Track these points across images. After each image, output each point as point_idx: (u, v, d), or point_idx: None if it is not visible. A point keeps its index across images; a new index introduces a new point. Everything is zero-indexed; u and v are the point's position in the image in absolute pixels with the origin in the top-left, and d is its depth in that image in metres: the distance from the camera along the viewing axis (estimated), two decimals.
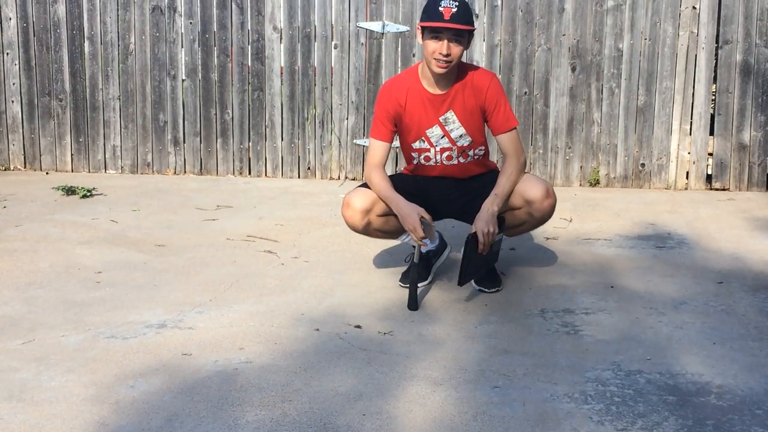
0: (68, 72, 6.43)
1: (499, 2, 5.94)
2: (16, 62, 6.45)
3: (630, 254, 4.24)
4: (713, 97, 5.95)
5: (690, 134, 5.91)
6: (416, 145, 3.56)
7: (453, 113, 3.48)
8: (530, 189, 3.44)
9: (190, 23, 6.27)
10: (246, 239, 4.53)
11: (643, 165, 5.96)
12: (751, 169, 5.86)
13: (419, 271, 3.55)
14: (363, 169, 6.17)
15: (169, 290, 3.68)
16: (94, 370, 2.82)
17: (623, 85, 5.91)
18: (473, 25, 3.39)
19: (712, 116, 5.93)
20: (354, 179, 6.18)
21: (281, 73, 6.27)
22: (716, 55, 5.83)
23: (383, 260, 4.11)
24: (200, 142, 6.38)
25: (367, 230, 3.57)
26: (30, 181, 6.12)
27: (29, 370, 2.82)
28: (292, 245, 4.42)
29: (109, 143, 6.47)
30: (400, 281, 3.73)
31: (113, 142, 6.46)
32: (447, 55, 3.32)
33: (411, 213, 3.40)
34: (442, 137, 3.51)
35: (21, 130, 6.54)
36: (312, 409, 2.53)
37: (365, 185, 3.58)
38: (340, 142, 6.23)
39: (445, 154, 3.55)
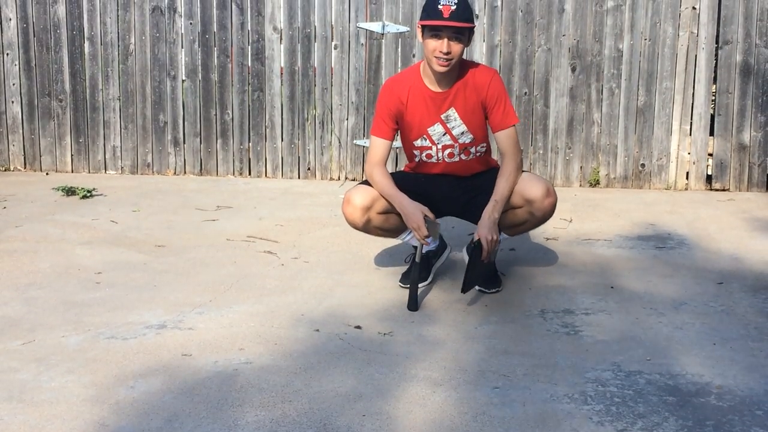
0: (68, 72, 6.43)
1: (499, 3, 5.94)
2: (16, 63, 6.45)
3: (630, 255, 4.24)
4: (713, 98, 5.95)
5: (690, 135, 5.91)
6: (418, 143, 3.56)
7: (455, 111, 3.48)
8: (531, 188, 3.44)
9: (190, 24, 6.27)
10: (246, 240, 4.53)
11: (643, 165, 5.96)
12: (751, 170, 5.86)
13: (419, 271, 3.55)
14: (363, 170, 6.17)
15: (169, 291, 3.68)
16: (94, 370, 2.82)
17: (623, 85, 5.91)
18: (473, 23, 3.39)
19: (712, 117, 5.93)
20: (354, 180, 6.18)
21: (281, 74, 6.27)
22: (716, 55, 5.83)
23: (383, 261, 4.11)
24: (200, 143, 6.38)
25: (367, 228, 3.57)
26: (30, 182, 6.12)
27: (29, 370, 2.82)
28: (292, 246, 4.42)
29: (109, 144, 6.47)
30: (400, 282, 3.73)
31: (113, 142, 6.46)
32: (447, 53, 3.32)
33: (415, 212, 3.41)
34: (443, 135, 3.51)
35: (21, 131, 6.54)
36: (312, 409, 2.53)
37: (366, 182, 3.58)
38: (340, 142, 6.23)
39: (447, 151, 3.55)
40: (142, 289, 3.70)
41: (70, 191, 5.62)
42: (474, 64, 3.55)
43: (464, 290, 3.40)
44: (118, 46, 6.35)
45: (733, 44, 5.77)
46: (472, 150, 3.56)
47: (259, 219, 5.01)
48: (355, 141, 6.21)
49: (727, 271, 3.94)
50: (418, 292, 3.51)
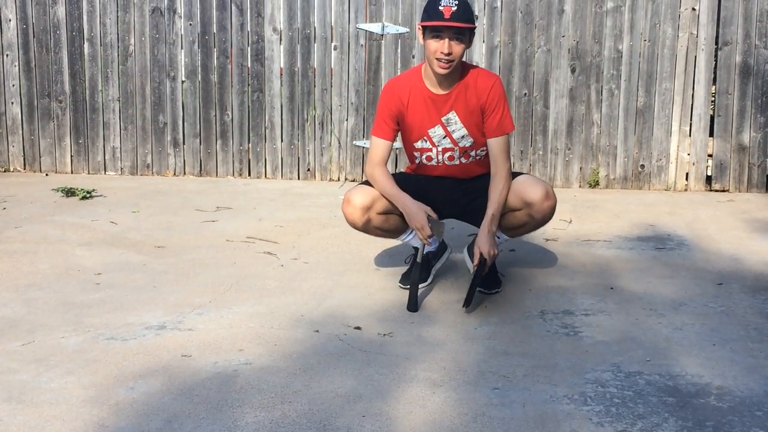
0: (68, 73, 6.43)
1: (499, 3, 5.94)
2: (16, 64, 6.45)
3: (629, 256, 4.24)
4: (713, 99, 5.95)
5: (689, 135, 5.91)
6: (418, 144, 3.56)
7: (455, 114, 3.48)
8: (530, 191, 3.43)
9: (190, 25, 6.27)
10: (246, 241, 4.53)
11: (642, 166, 5.96)
12: (751, 171, 5.86)
13: (419, 272, 3.55)
14: (363, 171, 6.17)
15: (169, 292, 3.68)
16: (93, 371, 2.82)
17: (623, 86, 5.91)
18: (474, 24, 3.40)
19: (712, 117, 5.93)
20: (353, 180, 6.18)
21: (281, 75, 6.27)
22: (716, 56, 5.83)
23: (383, 261, 4.11)
24: (200, 144, 6.38)
25: (367, 228, 3.57)
26: (30, 183, 6.12)
27: (29, 371, 2.82)
28: (291, 247, 4.42)
29: (108, 145, 6.47)
30: (399, 282, 3.73)
31: (113, 143, 6.46)
32: (448, 54, 3.32)
33: (418, 211, 3.41)
34: (444, 137, 3.51)
35: (21, 132, 6.54)
36: (311, 410, 2.53)
37: (367, 183, 3.59)
38: (339, 143, 6.23)
39: (447, 154, 3.55)
40: (142, 290, 3.70)
41: (69, 192, 5.62)
42: (476, 68, 3.55)
43: (467, 305, 3.39)
44: (118, 47, 6.35)
45: (732, 45, 5.78)
46: (472, 153, 3.56)
47: (258, 220, 5.01)
48: (354, 142, 6.21)
49: (726, 272, 3.94)
50: (418, 293, 3.51)
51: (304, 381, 2.74)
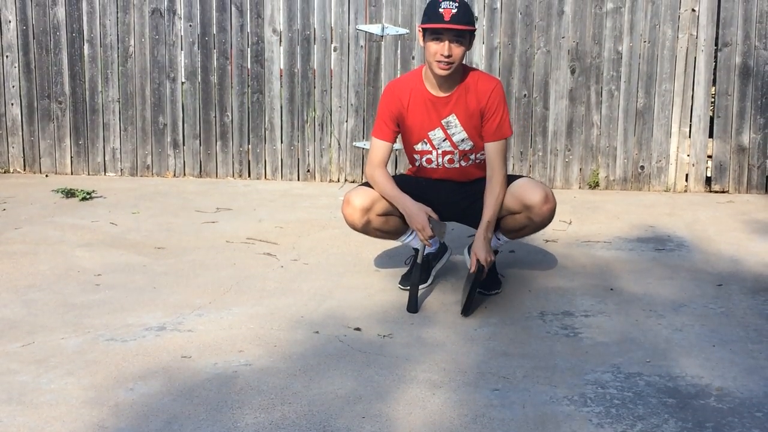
0: (68, 75, 6.43)
1: (499, 5, 5.94)
2: (16, 65, 6.45)
3: (629, 257, 4.24)
4: (712, 100, 5.96)
5: (689, 137, 5.91)
6: (418, 146, 3.56)
7: (455, 117, 3.48)
8: (529, 194, 3.43)
9: (190, 26, 6.27)
10: (245, 242, 4.53)
11: (642, 167, 5.97)
12: (751, 172, 5.87)
13: (419, 273, 3.55)
14: (362, 172, 6.17)
15: (169, 293, 3.68)
16: (93, 372, 2.82)
17: (623, 87, 5.91)
18: (474, 26, 3.40)
19: (712, 118, 5.93)
20: (353, 182, 6.18)
21: (281, 76, 6.27)
22: (715, 57, 5.83)
23: (383, 263, 4.11)
24: (200, 145, 6.38)
25: (367, 229, 3.57)
26: (29, 184, 6.12)
27: (29, 372, 2.82)
28: (291, 248, 4.42)
29: (108, 146, 6.47)
30: (399, 284, 3.73)
31: (113, 144, 6.46)
32: (448, 56, 3.32)
33: (419, 212, 3.42)
34: (444, 140, 3.52)
35: (20, 133, 6.54)
36: (311, 411, 2.53)
37: (366, 184, 3.59)
38: (339, 144, 6.24)
39: (447, 157, 3.55)
40: (142, 291, 3.70)
41: (69, 193, 5.62)
42: (476, 71, 3.55)
43: (466, 313, 3.39)
44: (118, 48, 6.35)
45: (732, 46, 5.78)
46: (472, 157, 3.56)
47: (258, 221, 5.01)
48: (354, 143, 6.22)
49: (726, 273, 3.94)
50: (418, 295, 3.51)
51: (304, 382, 2.74)
